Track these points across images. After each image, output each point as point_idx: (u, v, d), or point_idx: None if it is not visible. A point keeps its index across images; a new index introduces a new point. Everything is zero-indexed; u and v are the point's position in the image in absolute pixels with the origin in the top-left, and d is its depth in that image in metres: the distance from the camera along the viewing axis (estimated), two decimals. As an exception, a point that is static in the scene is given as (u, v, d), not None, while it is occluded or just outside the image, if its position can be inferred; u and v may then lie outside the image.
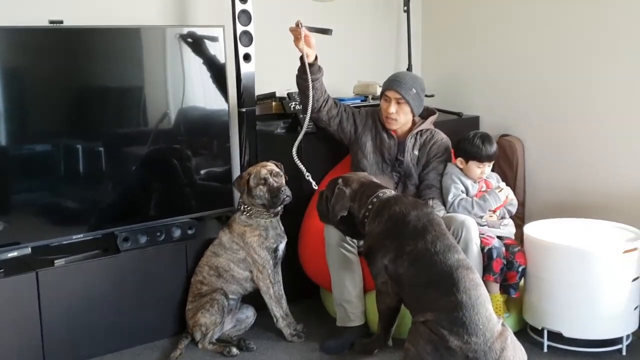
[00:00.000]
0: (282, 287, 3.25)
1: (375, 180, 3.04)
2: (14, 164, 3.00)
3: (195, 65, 3.40)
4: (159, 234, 3.28)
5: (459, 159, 3.34)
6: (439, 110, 3.68)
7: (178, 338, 3.19)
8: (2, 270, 2.89)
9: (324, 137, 3.47)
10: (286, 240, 3.27)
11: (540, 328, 3.13)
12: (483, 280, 2.75)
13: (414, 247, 2.65)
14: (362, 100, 3.95)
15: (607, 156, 3.68)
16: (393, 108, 3.31)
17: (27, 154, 3.04)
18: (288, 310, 3.26)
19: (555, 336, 3.08)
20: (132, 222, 3.25)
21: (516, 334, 2.65)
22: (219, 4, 3.65)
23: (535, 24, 3.94)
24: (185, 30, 3.39)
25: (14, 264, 2.95)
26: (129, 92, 3.30)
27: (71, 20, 3.11)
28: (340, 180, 2.94)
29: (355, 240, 3.13)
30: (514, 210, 3.41)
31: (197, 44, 3.39)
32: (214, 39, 3.42)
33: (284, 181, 3.18)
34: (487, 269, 3.10)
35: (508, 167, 4.02)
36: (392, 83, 3.34)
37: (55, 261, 3.01)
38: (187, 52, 3.36)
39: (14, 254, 2.96)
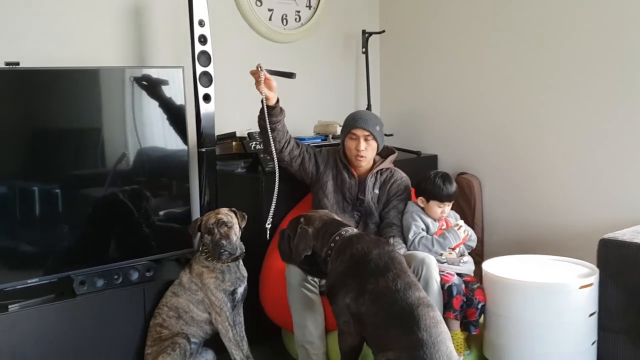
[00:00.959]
0: (243, 329, 3.22)
1: (337, 217, 3.04)
2: (-33, 207, 2.93)
3: (154, 105, 3.39)
4: (116, 276, 3.22)
5: (420, 198, 3.37)
6: (398, 149, 3.72)
7: (136, 383, 3.12)
8: (-47, 316, 2.82)
9: (285, 176, 3.47)
10: (246, 283, 3.23)
11: (501, 365, 3.14)
12: (444, 318, 2.76)
13: (376, 286, 2.64)
14: (322, 140, 3.98)
15: (561, 193, 3.76)
16: (363, 145, 3.35)
17: (-19, 197, 2.98)
18: (249, 352, 3.21)
19: (516, 373, 3.10)
20: (89, 265, 3.19)
21: (477, 371, 2.66)
22: (178, 45, 3.67)
23: (490, 65, 4.04)
24: (144, 71, 3.39)
25: (-34, 310, 2.87)
26: (86, 133, 3.27)
27: (28, 61, 3.09)
28: (302, 219, 2.93)
29: (316, 280, 3.12)
30: (474, 245, 3.45)
31: (156, 84, 3.39)
32: (173, 79, 3.42)
33: (233, 231, 3.14)
34: (447, 306, 3.11)
35: (466, 204, 4.07)
36: (359, 121, 3.38)
37: (10, 306, 2.92)
38: (146, 92, 3.35)
39: (-33, 299, 2.88)
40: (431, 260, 3.07)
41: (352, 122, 3.41)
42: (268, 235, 3.14)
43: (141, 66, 3.58)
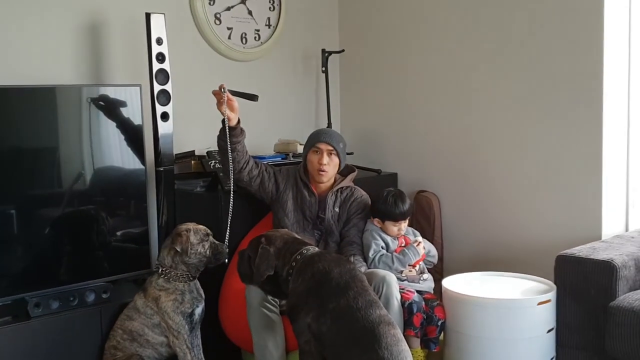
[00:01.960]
0: (201, 351, 3.17)
1: (297, 236, 3.02)
2: None
3: (111, 124, 3.34)
4: (72, 298, 3.15)
5: (376, 219, 3.38)
6: (358, 168, 3.74)
7: (92, 408, 3.05)
8: None
9: (245, 195, 3.46)
10: (204, 303, 3.19)
11: (461, 382, 3.15)
12: (404, 335, 2.76)
13: (337, 305, 2.63)
14: (282, 158, 3.97)
15: (519, 211, 3.81)
16: (325, 159, 3.35)
17: None
18: (208, 374, 3.17)
19: (476, 390, 3.11)
20: (44, 286, 3.11)
21: (438, 389, 2.66)
22: (136, 63, 3.63)
23: (449, 83, 4.09)
24: (100, 90, 3.35)
25: None
26: (42, 152, 3.20)
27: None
28: (263, 239, 2.90)
29: (277, 300, 3.09)
30: (435, 261, 3.47)
31: (113, 103, 3.35)
32: (130, 97, 3.38)
33: None
34: (407, 323, 3.12)
35: (426, 222, 4.10)
36: (322, 136, 3.40)
37: (-39, 330, 2.85)
38: (103, 111, 3.31)
39: None
40: (391, 277, 3.07)
41: (317, 136, 3.43)
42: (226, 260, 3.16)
43: (98, 84, 3.53)
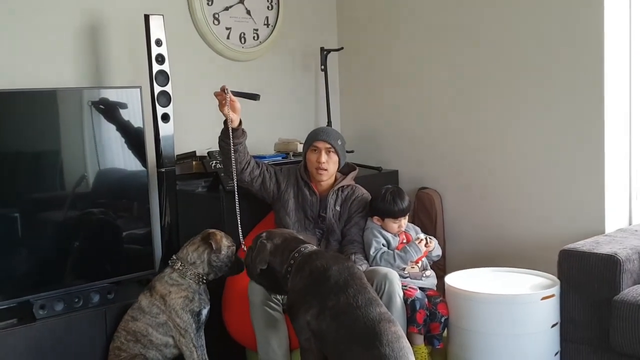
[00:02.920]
0: (205, 352, 3.17)
1: (298, 236, 3.04)
2: None
3: (112, 126, 3.35)
4: (76, 300, 3.17)
5: (375, 217, 3.38)
6: (359, 166, 3.74)
7: (98, 409, 3.06)
8: None
9: (246, 195, 3.46)
10: (209, 306, 3.19)
11: (465, 378, 3.15)
12: (407, 332, 2.77)
13: (336, 302, 2.64)
14: (283, 158, 3.97)
15: (521, 206, 3.81)
16: (324, 157, 3.36)
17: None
18: (213, 374, 3.18)
19: (480, 385, 3.11)
20: (48, 289, 3.13)
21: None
22: (135, 65, 3.64)
23: (449, 79, 4.09)
24: (101, 92, 3.36)
25: None
26: (44, 155, 3.22)
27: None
28: (264, 234, 2.95)
29: (279, 298, 3.10)
30: (439, 253, 3.47)
31: (113, 105, 3.35)
32: (131, 99, 3.39)
33: None
34: (410, 320, 3.12)
35: (427, 219, 4.10)
36: (320, 134, 3.41)
37: (-33, 333, 2.86)
38: (104, 113, 3.32)
39: None
40: (393, 275, 3.08)
41: (315, 135, 3.43)
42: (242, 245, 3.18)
43: (98, 87, 3.54)
